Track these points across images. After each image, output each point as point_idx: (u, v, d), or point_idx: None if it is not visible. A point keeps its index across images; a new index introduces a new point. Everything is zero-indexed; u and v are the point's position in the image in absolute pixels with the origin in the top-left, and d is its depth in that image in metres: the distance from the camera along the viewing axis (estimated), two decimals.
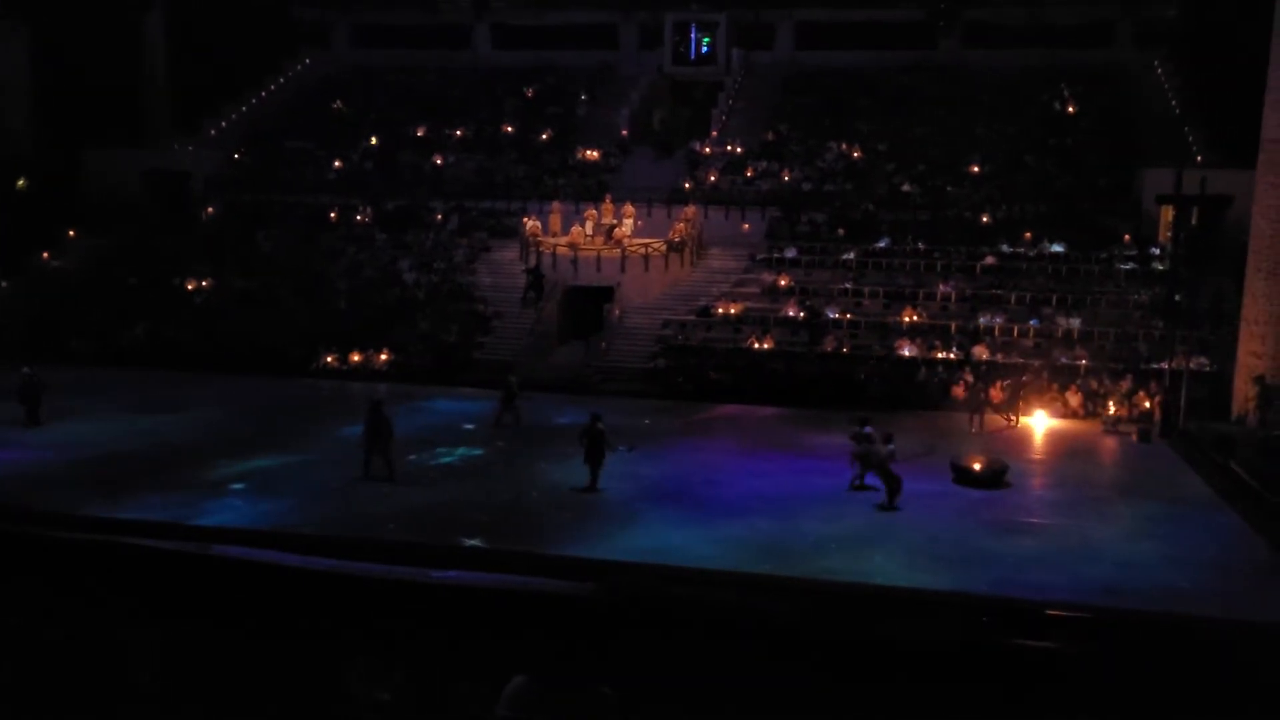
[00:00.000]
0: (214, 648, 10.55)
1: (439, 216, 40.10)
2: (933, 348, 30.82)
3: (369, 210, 40.43)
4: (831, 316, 32.70)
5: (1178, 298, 28.01)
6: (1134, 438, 26.10)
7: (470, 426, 26.41)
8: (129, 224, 40.28)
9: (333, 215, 40.25)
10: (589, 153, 43.22)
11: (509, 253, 38.02)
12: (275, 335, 32.81)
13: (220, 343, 32.45)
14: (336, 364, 31.92)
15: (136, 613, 11.61)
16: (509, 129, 45.24)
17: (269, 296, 35.13)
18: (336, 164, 43.60)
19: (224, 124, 47.77)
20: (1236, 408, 26.75)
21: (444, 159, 43.53)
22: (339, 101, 48.16)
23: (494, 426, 26.21)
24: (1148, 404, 27.17)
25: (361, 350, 32.25)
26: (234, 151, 45.08)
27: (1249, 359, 26.99)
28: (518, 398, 26.64)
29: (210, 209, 41.99)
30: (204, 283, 36.53)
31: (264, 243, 38.81)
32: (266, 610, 12.21)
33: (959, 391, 28.28)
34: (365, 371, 31.66)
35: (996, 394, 28.04)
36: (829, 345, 31.31)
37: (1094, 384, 28.57)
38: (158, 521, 18.43)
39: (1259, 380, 26.32)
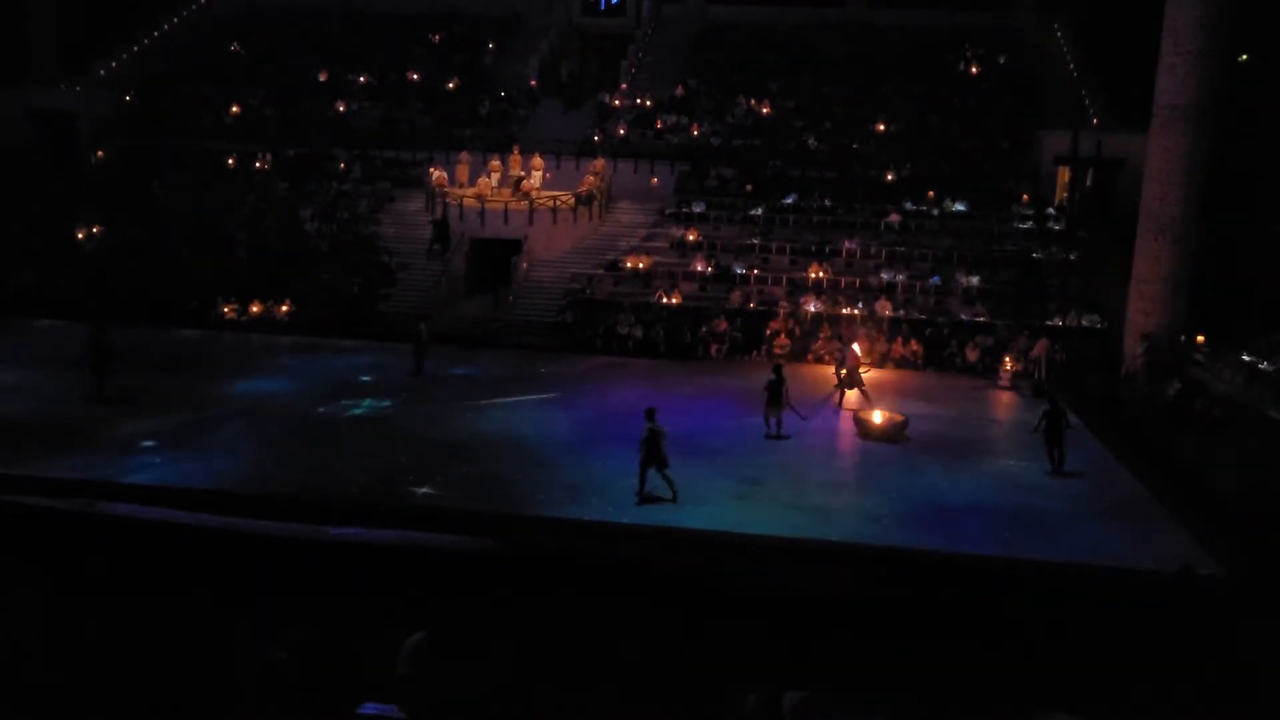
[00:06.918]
0: (101, 610, 10.30)
1: (342, 165, 39.15)
2: (837, 304, 31.24)
3: (269, 158, 39.24)
4: (739, 272, 32.92)
5: (1071, 256, 28.91)
6: (1027, 392, 26.81)
7: (367, 378, 25.93)
8: (12, 168, 38.49)
9: (231, 162, 38.90)
10: (502, 95, 42.63)
11: (414, 204, 37.36)
12: (171, 286, 31.80)
13: (113, 293, 31.34)
14: (235, 315, 31.14)
15: (19, 575, 11.26)
16: (414, 77, 44.28)
17: (164, 246, 33.95)
18: (234, 109, 42.21)
19: (114, 64, 45.86)
20: (1126, 364, 27.66)
21: (347, 106, 42.46)
22: (236, 44, 46.51)
23: (414, 376, 26.01)
24: (1040, 360, 27.88)
25: (262, 301, 31.49)
26: (125, 94, 43.27)
27: (1138, 316, 27.92)
28: (429, 347, 26.41)
29: (100, 153, 40.34)
30: (94, 230, 35.17)
31: (158, 190, 37.43)
32: (156, 570, 11.95)
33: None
34: (266, 323, 30.96)
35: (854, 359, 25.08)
36: (736, 300, 31.53)
37: (990, 340, 29.24)
38: (50, 479, 17.82)
39: (1146, 338, 27.27)
